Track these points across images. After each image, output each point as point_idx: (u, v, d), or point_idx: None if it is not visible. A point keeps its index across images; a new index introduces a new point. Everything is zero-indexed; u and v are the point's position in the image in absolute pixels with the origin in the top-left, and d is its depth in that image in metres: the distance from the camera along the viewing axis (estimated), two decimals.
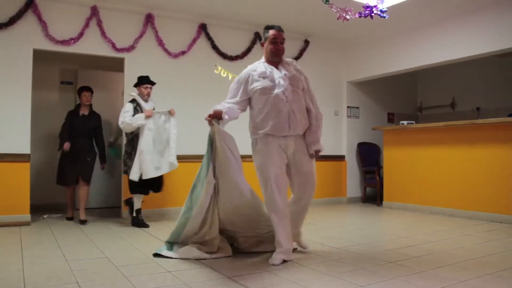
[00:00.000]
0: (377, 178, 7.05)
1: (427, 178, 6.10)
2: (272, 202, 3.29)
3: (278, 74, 3.33)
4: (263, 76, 3.31)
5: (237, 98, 3.37)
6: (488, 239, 4.20)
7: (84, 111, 5.37)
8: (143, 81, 5.01)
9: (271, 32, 3.37)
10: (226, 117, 3.27)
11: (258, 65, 3.41)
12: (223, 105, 3.33)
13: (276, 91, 3.27)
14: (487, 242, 4.09)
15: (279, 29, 3.40)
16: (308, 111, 3.45)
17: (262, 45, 3.46)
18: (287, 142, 3.31)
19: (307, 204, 3.52)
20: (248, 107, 3.46)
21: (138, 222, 4.87)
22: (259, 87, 3.29)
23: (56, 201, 6.10)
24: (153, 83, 5.08)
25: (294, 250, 3.51)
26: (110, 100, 6.42)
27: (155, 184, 4.95)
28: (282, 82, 3.29)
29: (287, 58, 3.53)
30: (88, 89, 5.39)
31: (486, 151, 5.40)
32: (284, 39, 3.41)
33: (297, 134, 3.35)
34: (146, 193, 4.94)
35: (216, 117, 3.27)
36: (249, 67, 3.44)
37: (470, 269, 3.08)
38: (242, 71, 3.46)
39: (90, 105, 5.44)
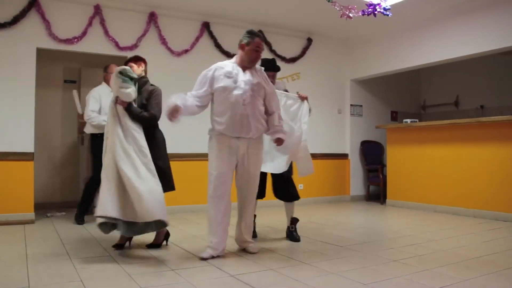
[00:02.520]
0: (381, 176, 7.03)
1: (431, 176, 6.08)
2: (214, 197, 3.35)
3: (242, 77, 3.36)
4: (228, 75, 3.35)
5: (201, 92, 3.39)
6: (492, 238, 4.19)
7: None
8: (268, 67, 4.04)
9: (257, 40, 3.41)
10: (180, 118, 3.27)
11: (227, 64, 3.43)
12: (185, 98, 3.30)
13: (235, 92, 3.30)
14: (491, 240, 4.07)
15: (262, 38, 3.52)
16: (270, 114, 3.53)
17: (242, 47, 3.41)
18: (238, 143, 3.36)
19: (249, 207, 3.55)
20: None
21: None
22: (221, 85, 3.33)
23: (60, 199, 6.13)
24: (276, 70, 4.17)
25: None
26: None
27: None
28: (243, 85, 3.32)
29: (258, 65, 3.60)
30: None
31: (490, 149, 5.38)
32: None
33: (250, 137, 3.38)
34: None
35: (172, 114, 3.22)
36: (218, 64, 3.46)
37: (474, 268, 3.07)
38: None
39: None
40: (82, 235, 4.30)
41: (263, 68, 3.61)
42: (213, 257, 3.32)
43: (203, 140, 5.74)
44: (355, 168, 7.48)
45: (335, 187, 7.29)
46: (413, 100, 8.55)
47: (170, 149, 5.70)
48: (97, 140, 4.68)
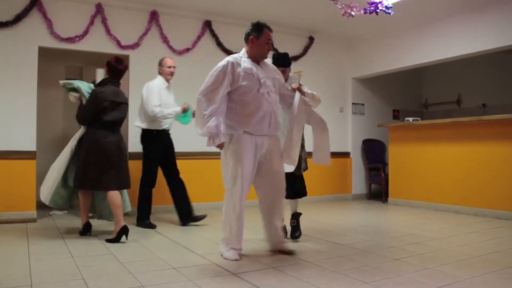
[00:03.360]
0: (382, 175, 7.03)
1: (433, 175, 6.08)
2: (237, 199, 3.24)
3: (262, 74, 3.27)
4: (249, 72, 3.21)
5: (222, 89, 3.16)
6: (494, 236, 4.19)
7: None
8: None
9: (266, 32, 3.28)
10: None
11: (242, 60, 3.25)
12: (215, 124, 3.11)
13: (262, 90, 3.22)
14: (493, 239, 4.07)
15: (270, 29, 3.35)
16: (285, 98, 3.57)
17: (252, 41, 3.27)
18: (262, 140, 3.30)
19: (279, 206, 3.42)
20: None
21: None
22: (245, 83, 3.18)
23: None
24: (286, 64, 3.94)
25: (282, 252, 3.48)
26: None
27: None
28: (268, 82, 3.27)
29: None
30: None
31: (492, 147, 5.37)
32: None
33: (270, 134, 3.35)
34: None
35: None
36: (232, 58, 3.25)
37: (475, 267, 3.07)
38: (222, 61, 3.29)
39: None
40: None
41: (270, 59, 3.53)
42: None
43: (202, 140, 5.73)
44: (356, 167, 7.48)
45: (337, 185, 7.29)
46: (415, 98, 8.54)
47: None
48: (149, 136, 4.65)
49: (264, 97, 3.25)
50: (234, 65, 3.20)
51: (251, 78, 3.21)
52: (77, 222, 4.92)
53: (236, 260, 3.24)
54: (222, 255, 3.33)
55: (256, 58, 3.31)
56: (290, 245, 3.59)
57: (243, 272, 2.92)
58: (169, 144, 4.82)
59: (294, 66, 6.82)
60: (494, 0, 5.34)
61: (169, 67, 4.77)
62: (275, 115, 3.34)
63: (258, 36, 3.27)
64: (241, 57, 3.29)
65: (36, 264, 3.11)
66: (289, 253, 3.42)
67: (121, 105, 4.09)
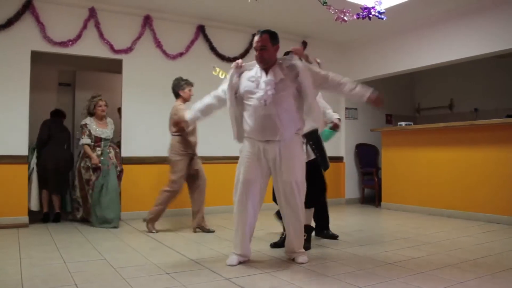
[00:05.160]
0: (376, 179, 7.05)
1: (426, 179, 6.10)
2: (238, 205, 3.26)
3: (263, 78, 3.20)
4: (251, 79, 3.24)
5: (221, 92, 3.37)
6: (486, 240, 4.21)
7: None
8: None
9: (255, 38, 3.24)
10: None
11: (253, 68, 3.30)
12: (196, 107, 3.49)
13: (256, 95, 3.18)
14: (486, 243, 4.09)
15: (261, 34, 3.21)
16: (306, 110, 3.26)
17: None
18: (267, 146, 3.19)
19: (289, 218, 3.31)
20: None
21: None
22: (244, 89, 3.25)
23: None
24: None
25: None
26: (108, 101, 6.39)
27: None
28: (263, 85, 3.16)
29: (284, 56, 3.39)
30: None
31: (484, 152, 5.41)
32: (263, 45, 3.16)
33: (279, 139, 3.18)
34: None
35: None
36: (245, 65, 3.37)
37: (468, 270, 3.08)
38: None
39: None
40: (76, 239, 4.28)
41: (291, 57, 3.28)
42: (240, 263, 3.27)
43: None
44: (350, 171, 7.50)
45: (330, 190, 7.17)
46: (408, 103, 8.59)
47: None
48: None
49: (258, 101, 3.16)
50: (243, 72, 3.32)
51: (250, 84, 3.23)
52: (71, 228, 4.90)
53: (230, 265, 3.22)
54: None
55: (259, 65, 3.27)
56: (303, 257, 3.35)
57: (236, 277, 2.91)
58: None
59: None
60: (487, 6, 5.39)
61: None
62: (273, 119, 3.14)
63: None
64: (255, 66, 3.30)
65: (28, 270, 3.08)
66: (300, 263, 3.28)
67: (64, 132, 5.66)
